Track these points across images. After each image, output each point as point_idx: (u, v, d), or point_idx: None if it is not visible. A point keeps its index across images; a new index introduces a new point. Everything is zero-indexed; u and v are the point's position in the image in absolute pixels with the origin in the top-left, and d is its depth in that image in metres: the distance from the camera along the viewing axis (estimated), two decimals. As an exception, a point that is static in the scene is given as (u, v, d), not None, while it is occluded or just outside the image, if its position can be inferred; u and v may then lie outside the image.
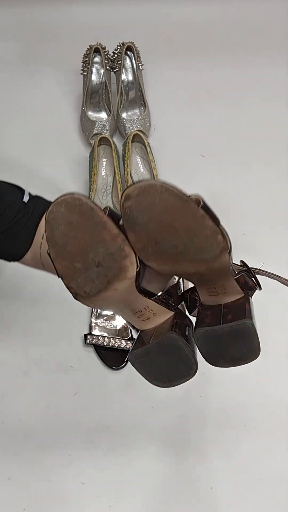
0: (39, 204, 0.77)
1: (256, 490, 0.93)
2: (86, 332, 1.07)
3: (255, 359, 0.65)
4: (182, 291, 0.69)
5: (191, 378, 0.64)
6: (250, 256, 1.17)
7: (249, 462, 0.95)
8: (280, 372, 1.03)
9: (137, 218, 0.56)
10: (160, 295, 0.65)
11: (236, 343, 0.63)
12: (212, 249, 0.57)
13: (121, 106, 1.36)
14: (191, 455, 0.96)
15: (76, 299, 0.62)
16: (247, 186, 1.28)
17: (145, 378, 0.64)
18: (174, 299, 0.66)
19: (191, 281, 0.64)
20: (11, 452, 0.96)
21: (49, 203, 0.78)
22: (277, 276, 0.71)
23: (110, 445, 0.96)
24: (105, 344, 1.04)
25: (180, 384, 0.65)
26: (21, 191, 0.78)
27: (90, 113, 1.36)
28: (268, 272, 0.71)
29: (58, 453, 0.95)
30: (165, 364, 0.63)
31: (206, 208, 0.57)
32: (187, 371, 0.63)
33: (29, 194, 0.78)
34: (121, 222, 0.57)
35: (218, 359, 0.65)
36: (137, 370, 0.64)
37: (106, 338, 1.05)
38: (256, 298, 1.12)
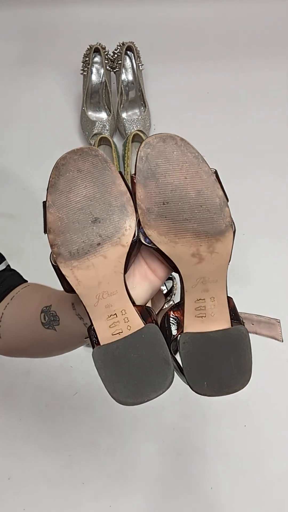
0: (13, 278, 0.76)
1: (256, 490, 0.93)
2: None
3: (243, 385, 0.56)
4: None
5: (163, 391, 0.53)
6: (250, 256, 1.17)
7: (249, 462, 0.95)
8: (280, 372, 1.03)
9: (151, 169, 0.54)
10: (140, 306, 0.57)
11: (226, 357, 0.56)
12: (218, 222, 0.54)
13: (121, 106, 1.36)
14: (191, 455, 0.96)
15: (55, 263, 0.55)
16: (247, 186, 1.28)
17: (106, 388, 0.53)
18: (152, 319, 0.56)
19: (181, 278, 0.57)
20: (11, 452, 0.96)
21: (24, 280, 0.77)
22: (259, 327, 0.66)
23: (110, 445, 0.96)
24: None
25: (148, 400, 0.52)
26: (2, 258, 0.78)
27: (90, 113, 1.36)
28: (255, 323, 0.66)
29: (58, 453, 0.95)
30: (135, 368, 0.53)
31: (218, 178, 0.56)
32: (161, 380, 0.53)
33: (8, 265, 0.79)
34: (133, 173, 0.55)
35: (202, 380, 0.56)
36: (99, 373, 0.54)
37: None
38: (256, 297, 1.12)
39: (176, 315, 0.58)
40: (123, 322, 0.56)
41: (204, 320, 0.57)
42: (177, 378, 0.55)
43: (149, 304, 0.61)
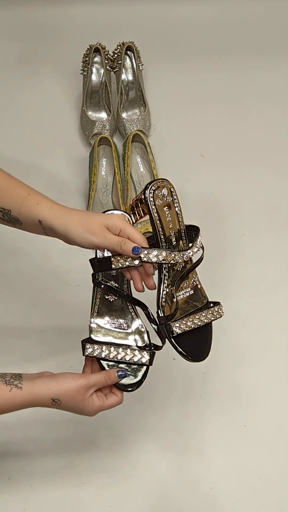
0: None
1: (256, 490, 0.93)
2: (86, 334, 0.82)
3: None
4: None
5: None
6: (250, 256, 1.17)
7: (249, 462, 0.95)
8: (280, 372, 1.03)
9: None
10: None
11: None
12: None
13: (121, 106, 1.36)
14: (191, 455, 0.96)
15: None
16: (247, 186, 1.28)
17: None
18: None
19: None
20: (11, 452, 0.96)
21: None
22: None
23: (110, 445, 0.96)
24: (110, 356, 0.78)
25: None
26: None
27: (90, 113, 1.36)
28: None
29: (58, 453, 0.95)
30: None
31: None
32: None
33: None
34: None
35: None
36: None
37: (111, 348, 0.79)
38: (256, 298, 1.12)
39: None
40: None
41: None
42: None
43: None
